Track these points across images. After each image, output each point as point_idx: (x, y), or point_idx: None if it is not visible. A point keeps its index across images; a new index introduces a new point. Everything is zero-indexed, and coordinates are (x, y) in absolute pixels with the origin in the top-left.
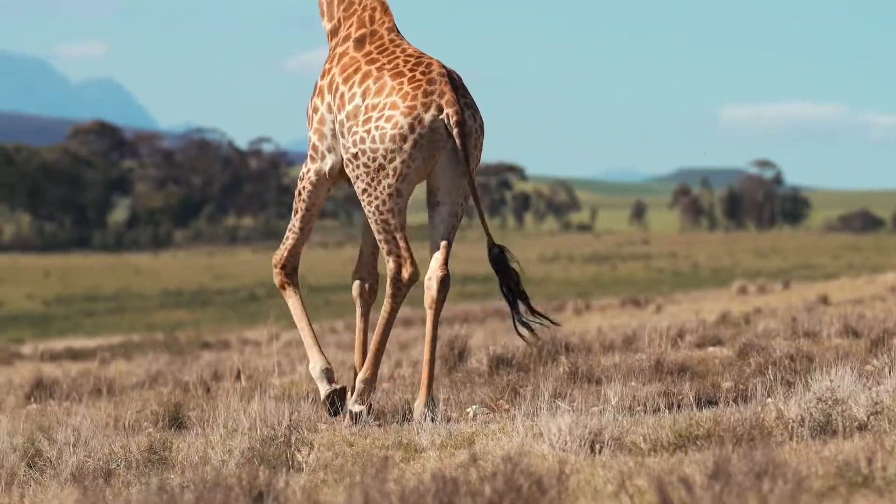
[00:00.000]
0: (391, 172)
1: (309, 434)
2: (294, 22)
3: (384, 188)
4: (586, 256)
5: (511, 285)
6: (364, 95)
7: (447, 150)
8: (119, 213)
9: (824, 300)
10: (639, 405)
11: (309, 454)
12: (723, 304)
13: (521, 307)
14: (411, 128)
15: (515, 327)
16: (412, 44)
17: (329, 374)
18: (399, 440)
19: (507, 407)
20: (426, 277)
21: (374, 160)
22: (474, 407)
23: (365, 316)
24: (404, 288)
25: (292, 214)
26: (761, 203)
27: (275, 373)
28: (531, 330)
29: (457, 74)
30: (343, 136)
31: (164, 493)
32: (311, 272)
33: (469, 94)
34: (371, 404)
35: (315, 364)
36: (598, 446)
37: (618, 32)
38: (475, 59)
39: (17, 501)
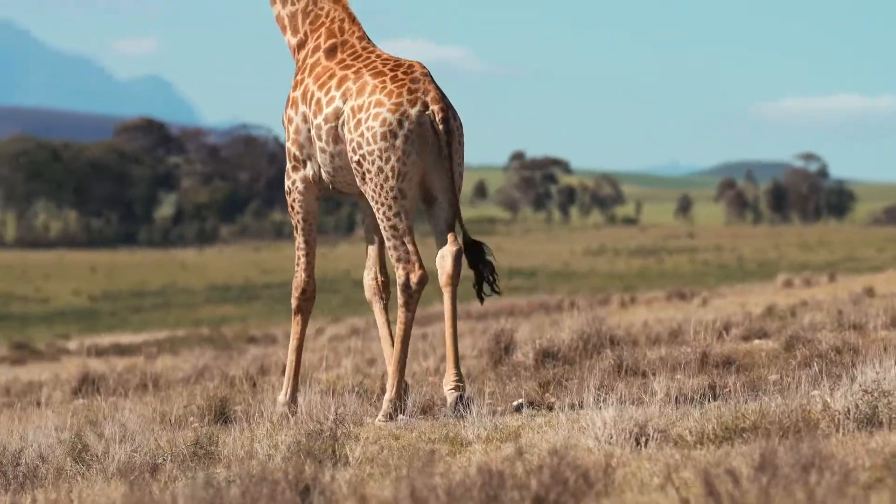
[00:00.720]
0: (390, 174)
1: (355, 428)
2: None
3: (387, 191)
4: (632, 250)
5: (480, 263)
6: (345, 97)
7: (435, 147)
8: (165, 209)
9: (870, 292)
10: (684, 398)
11: (355, 448)
12: (768, 297)
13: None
14: (400, 123)
15: (480, 291)
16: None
17: (291, 411)
18: (445, 434)
19: (552, 400)
20: (438, 256)
21: (373, 163)
22: (520, 400)
23: (385, 310)
24: (416, 294)
25: (294, 233)
26: (806, 196)
27: (321, 367)
28: (482, 292)
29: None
30: (320, 140)
31: (211, 488)
32: (354, 267)
33: (448, 98)
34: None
35: (283, 400)
36: (643, 439)
37: (664, 25)
38: (521, 55)
39: (65, 496)
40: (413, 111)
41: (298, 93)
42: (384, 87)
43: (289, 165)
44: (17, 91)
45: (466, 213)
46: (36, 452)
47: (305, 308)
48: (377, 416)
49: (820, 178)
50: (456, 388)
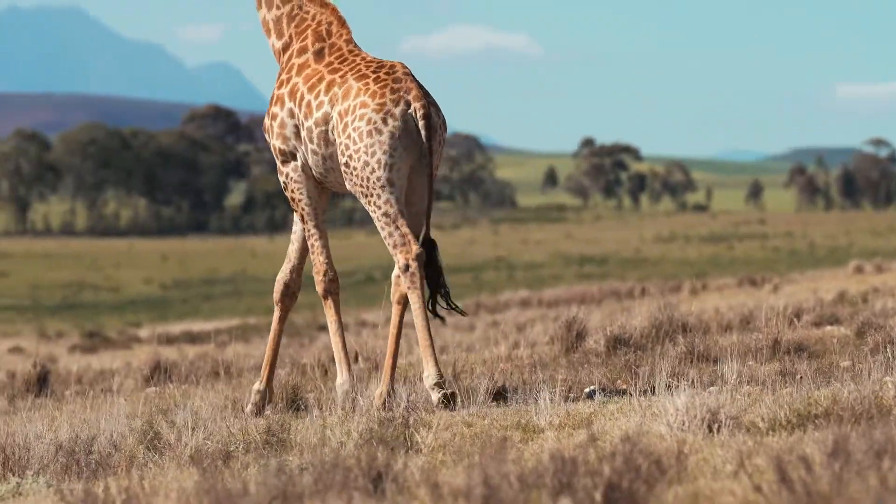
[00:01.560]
0: (376, 166)
1: (427, 415)
2: (409, 4)
3: (374, 181)
4: (703, 236)
5: (433, 277)
6: (332, 102)
7: (418, 143)
8: (235, 197)
9: None
10: (756, 384)
11: (427, 435)
12: (840, 283)
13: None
14: (384, 121)
15: (432, 307)
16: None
17: (352, 393)
18: (518, 421)
19: (625, 387)
20: (395, 269)
21: (359, 159)
22: (592, 387)
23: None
24: (417, 271)
25: (302, 222)
26: (877, 182)
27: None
28: (437, 315)
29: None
30: (312, 142)
31: (283, 475)
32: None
33: (431, 96)
34: (452, 392)
35: (342, 381)
36: (715, 426)
37: (734, 10)
38: (581, 39)
39: (137, 484)
40: (397, 109)
41: (285, 90)
42: (367, 89)
43: (278, 162)
44: (86, 79)
45: (537, 200)
46: (108, 440)
47: (332, 289)
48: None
49: (890, 164)
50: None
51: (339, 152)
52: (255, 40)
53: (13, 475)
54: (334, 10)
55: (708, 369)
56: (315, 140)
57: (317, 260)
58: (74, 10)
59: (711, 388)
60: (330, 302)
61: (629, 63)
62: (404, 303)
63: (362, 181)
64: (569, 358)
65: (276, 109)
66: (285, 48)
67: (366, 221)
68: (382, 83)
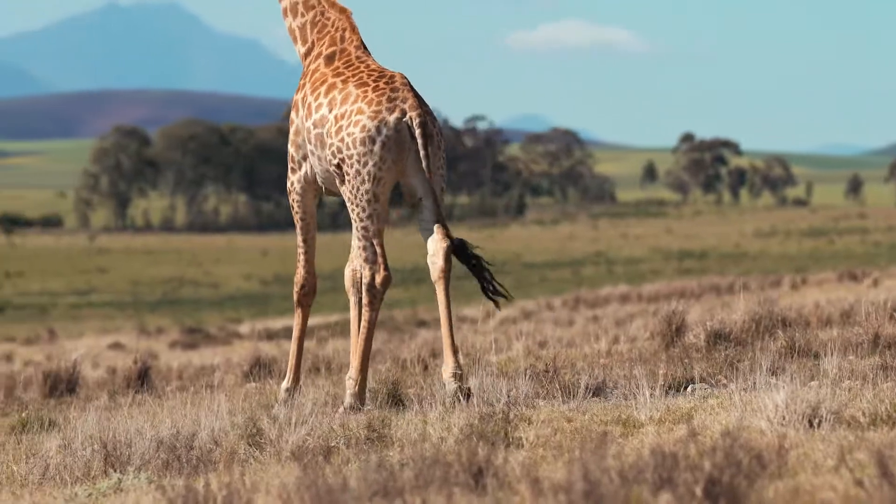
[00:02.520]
0: (366, 177)
1: (527, 410)
2: None
3: (363, 194)
4: (803, 231)
5: (474, 264)
6: (331, 105)
7: (413, 151)
8: None
9: None
10: (857, 379)
11: (528, 431)
12: None
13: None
14: (378, 130)
15: (487, 295)
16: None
17: (291, 395)
18: (618, 416)
19: (725, 382)
20: (429, 252)
21: (352, 166)
22: (692, 382)
23: (359, 304)
24: (379, 294)
25: (296, 232)
26: None
27: (492, 350)
28: (495, 301)
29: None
30: (310, 143)
31: (384, 471)
32: (526, 249)
33: (427, 105)
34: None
35: (286, 383)
36: (816, 420)
37: (835, 5)
38: (683, 35)
39: (238, 479)
40: (391, 118)
41: (300, 97)
42: (365, 96)
43: (288, 169)
44: (185, 75)
45: (637, 195)
46: (209, 436)
47: (305, 302)
48: (339, 408)
49: None
50: (455, 378)
51: (329, 153)
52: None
53: (114, 471)
54: (348, 17)
55: (808, 364)
56: (313, 141)
57: (298, 271)
58: (173, 6)
59: (812, 383)
60: (300, 311)
61: (730, 58)
62: (445, 275)
63: (352, 189)
64: (669, 353)
65: (292, 115)
66: (308, 53)
67: (466, 216)
68: (380, 92)
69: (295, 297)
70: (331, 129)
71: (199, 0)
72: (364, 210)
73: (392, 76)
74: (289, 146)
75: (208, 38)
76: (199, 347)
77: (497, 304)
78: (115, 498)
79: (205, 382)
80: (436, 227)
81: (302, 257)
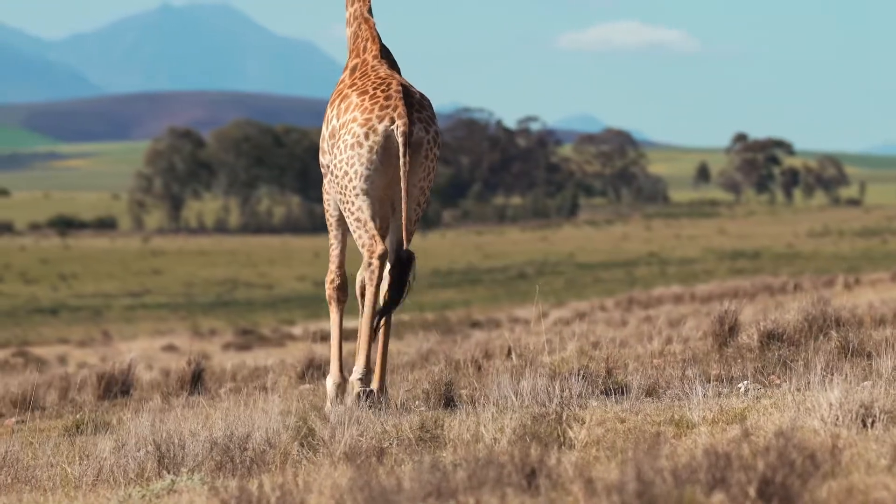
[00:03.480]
0: (353, 176)
1: (580, 411)
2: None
3: (350, 190)
4: (856, 231)
5: (394, 291)
6: (338, 116)
7: (413, 156)
8: None
9: None
10: None
11: (580, 431)
12: None
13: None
14: (366, 135)
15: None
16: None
17: (341, 391)
18: (671, 416)
19: (778, 382)
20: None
21: (341, 168)
22: (746, 382)
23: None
24: (377, 269)
25: (328, 230)
26: None
27: (545, 350)
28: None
29: (419, 94)
30: (329, 152)
31: (437, 471)
32: (580, 250)
33: (427, 111)
34: (369, 391)
35: (332, 378)
36: (869, 420)
37: (886, 4)
38: (736, 34)
39: (291, 480)
40: (380, 126)
41: (328, 107)
42: (361, 104)
43: (322, 171)
44: (238, 76)
45: (690, 195)
46: (263, 437)
47: (338, 297)
48: (347, 398)
49: None
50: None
51: (329, 158)
52: (412, 39)
53: (168, 472)
54: (371, 27)
55: (862, 364)
56: (328, 150)
57: (330, 267)
58: (226, 7)
59: (865, 383)
60: (334, 306)
61: (783, 57)
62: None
63: (342, 189)
64: (722, 353)
65: (323, 127)
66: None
67: (519, 217)
68: (374, 100)
69: (328, 293)
70: (335, 137)
71: (252, 1)
72: (353, 203)
73: (389, 84)
74: (321, 155)
75: (262, 39)
76: (252, 349)
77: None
78: (169, 499)
79: (258, 384)
80: (398, 242)
81: (333, 253)
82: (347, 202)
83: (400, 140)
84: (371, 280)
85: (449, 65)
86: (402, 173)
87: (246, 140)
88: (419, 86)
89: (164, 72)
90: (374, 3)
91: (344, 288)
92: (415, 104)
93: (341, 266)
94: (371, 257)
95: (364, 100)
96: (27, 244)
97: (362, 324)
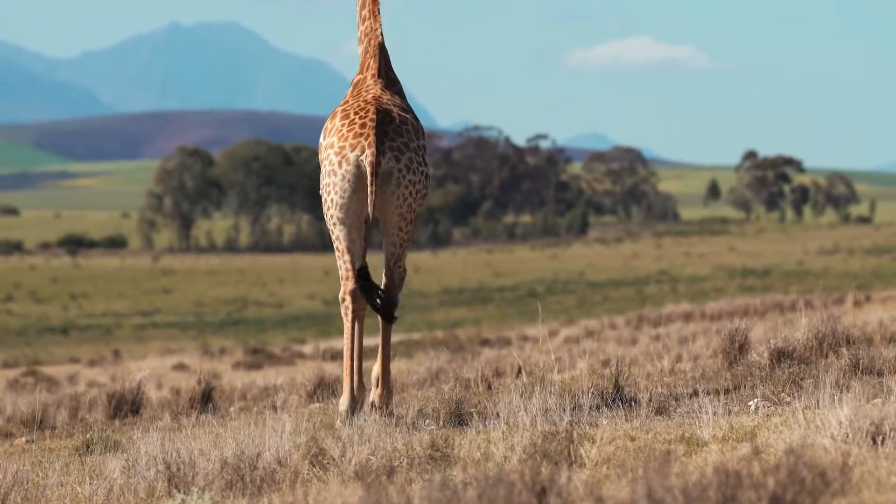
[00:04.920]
0: (331, 204)
1: (590, 429)
2: (575, 17)
3: (330, 217)
4: (866, 248)
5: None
6: (324, 135)
7: (384, 185)
8: None
9: None
10: None
11: (591, 449)
12: None
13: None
14: (339, 164)
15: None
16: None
17: (353, 412)
18: (681, 434)
19: (788, 400)
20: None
21: (323, 194)
22: (756, 400)
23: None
24: (351, 304)
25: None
26: None
27: (555, 369)
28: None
29: (400, 118)
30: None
31: (447, 490)
32: (590, 268)
33: (403, 136)
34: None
35: (343, 400)
36: (880, 438)
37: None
38: (748, 51)
39: (301, 499)
40: (352, 155)
41: None
42: (339, 131)
43: None
44: (248, 94)
45: (700, 213)
46: (273, 456)
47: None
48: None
49: None
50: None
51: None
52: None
53: (178, 491)
54: (375, 45)
55: (872, 381)
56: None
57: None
58: (236, 26)
59: (876, 401)
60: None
61: (793, 75)
62: (384, 324)
63: (325, 213)
64: (732, 371)
65: None
66: None
67: (529, 235)
68: (350, 128)
69: (342, 308)
70: (320, 156)
71: (261, 19)
72: (332, 231)
73: (367, 111)
74: None
75: (272, 57)
76: (262, 368)
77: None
78: None
79: (268, 403)
80: (385, 268)
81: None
82: (329, 228)
83: (368, 170)
84: (346, 314)
85: (459, 83)
86: (368, 202)
87: (256, 159)
88: (429, 104)
89: (174, 90)
90: (385, 22)
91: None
92: (390, 132)
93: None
94: (344, 293)
95: (344, 125)
96: (37, 263)
97: (346, 350)
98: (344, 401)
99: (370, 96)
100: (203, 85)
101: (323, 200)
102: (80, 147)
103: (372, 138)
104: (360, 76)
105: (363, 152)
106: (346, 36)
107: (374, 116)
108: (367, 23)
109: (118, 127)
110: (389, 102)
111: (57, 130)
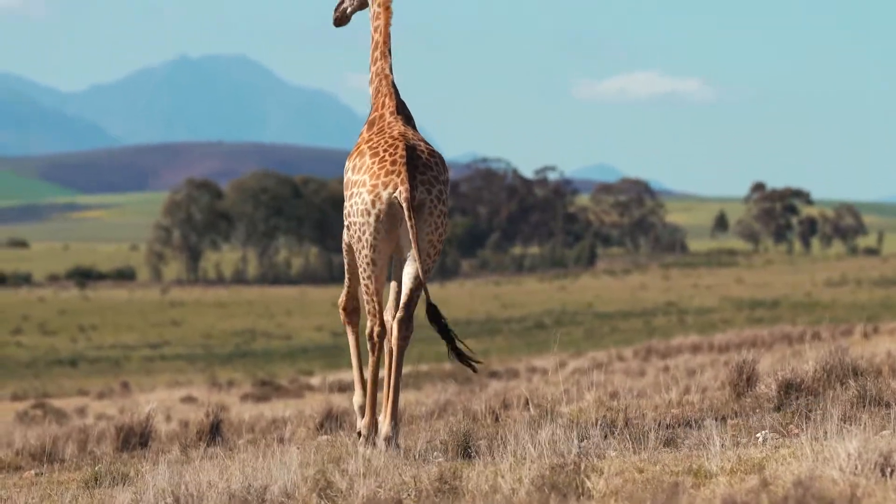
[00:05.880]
0: (364, 244)
1: (599, 461)
2: (581, 48)
3: (363, 257)
4: (874, 280)
5: (444, 331)
6: (353, 170)
7: (417, 216)
8: None
9: None
10: None
11: (599, 481)
12: None
13: (455, 344)
14: (373, 203)
15: (451, 358)
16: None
17: (373, 439)
18: (689, 466)
19: (796, 431)
20: (393, 320)
21: (355, 233)
22: (764, 431)
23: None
24: (378, 342)
25: (345, 270)
26: None
27: (563, 401)
28: (464, 362)
29: (427, 151)
30: (347, 203)
31: None
32: (598, 299)
33: (431, 171)
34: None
35: (357, 397)
36: (888, 470)
37: None
38: (754, 84)
39: None
40: (384, 193)
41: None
42: (370, 168)
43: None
44: (256, 127)
45: (708, 245)
46: (281, 489)
47: (351, 320)
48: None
49: None
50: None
51: (345, 213)
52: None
53: None
54: (389, 83)
55: (880, 413)
56: (347, 201)
57: (343, 291)
58: (244, 59)
59: (884, 432)
60: (349, 329)
61: (800, 106)
62: (398, 344)
63: (357, 252)
64: (740, 402)
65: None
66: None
67: (537, 267)
68: (381, 165)
69: (342, 318)
70: (347, 191)
71: (269, 52)
72: (364, 271)
73: (396, 147)
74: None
75: (279, 90)
76: (270, 400)
77: (472, 368)
78: None
79: (276, 435)
80: (403, 295)
81: (366, 304)
82: (360, 266)
83: (404, 205)
84: (372, 351)
85: (466, 115)
86: (411, 236)
87: (264, 191)
88: (437, 136)
89: (182, 123)
90: (393, 52)
91: (357, 311)
92: (419, 166)
93: (353, 291)
94: (373, 330)
95: (374, 162)
96: (46, 295)
97: (369, 382)
98: (366, 426)
99: (396, 132)
100: (211, 117)
101: (356, 239)
102: (89, 179)
103: (404, 175)
104: (377, 113)
105: (396, 189)
106: (354, 68)
107: (404, 153)
108: (378, 63)
109: (126, 159)
110: (415, 138)
111: (65, 163)
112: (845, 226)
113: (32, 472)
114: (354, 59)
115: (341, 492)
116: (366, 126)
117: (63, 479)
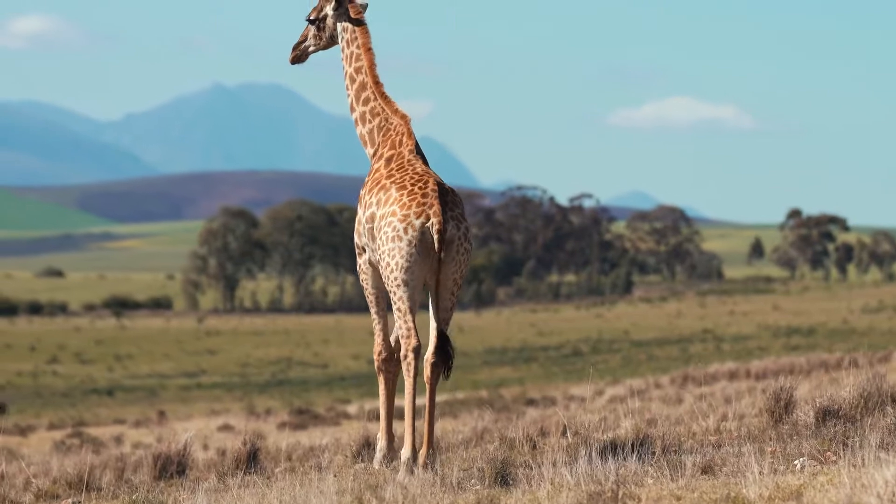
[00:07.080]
0: (395, 267)
1: (636, 488)
2: (616, 76)
3: (393, 280)
4: None
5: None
6: (378, 204)
7: (446, 251)
8: None
9: None
10: None
11: None
12: None
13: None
14: (405, 230)
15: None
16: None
17: (388, 461)
18: (727, 493)
19: (834, 458)
20: (425, 356)
21: (383, 258)
22: (802, 459)
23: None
24: (413, 361)
25: (369, 306)
26: None
27: (600, 428)
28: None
29: (451, 191)
30: (365, 235)
31: None
32: (634, 327)
33: (458, 208)
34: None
35: (380, 449)
36: None
37: None
38: (790, 110)
39: None
40: (417, 222)
41: (363, 192)
42: (400, 199)
43: (357, 251)
44: (291, 155)
45: (744, 272)
46: None
47: (385, 368)
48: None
49: None
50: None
51: (376, 246)
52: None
53: None
54: (407, 123)
55: None
56: (365, 234)
57: (375, 341)
58: (279, 87)
59: None
60: (382, 378)
61: (836, 133)
62: (431, 380)
63: (386, 277)
64: (777, 430)
65: (358, 208)
66: (374, 155)
67: (573, 295)
68: (412, 197)
69: (376, 365)
70: (377, 226)
71: (304, 81)
72: (395, 293)
73: (426, 181)
74: (355, 235)
75: (315, 118)
76: (307, 428)
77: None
78: None
79: (313, 463)
80: (434, 331)
81: (377, 327)
82: (390, 291)
83: (435, 237)
84: (408, 372)
85: (502, 143)
86: (439, 268)
87: (299, 219)
88: (471, 163)
89: (218, 152)
90: (431, 83)
91: (391, 360)
92: (448, 202)
93: (386, 339)
94: (407, 349)
95: (403, 195)
96: (82, 325)
97: (406, 406)
98: (406, 451)
99: (419, 169)
100: (246, 145)
101: (385, 265)
102: (125, 208)
103: (437, 207)
104: (395, 150)
105: (428, 220)
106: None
107: (436, 187)
108: (371, 104)
109: (162, 188)
110: (436, 176)
111: (101, 192)
112: (882, 252)
113: (70, 500)
114: (395, 89)
115: None
116: (381, 162)
117: None
